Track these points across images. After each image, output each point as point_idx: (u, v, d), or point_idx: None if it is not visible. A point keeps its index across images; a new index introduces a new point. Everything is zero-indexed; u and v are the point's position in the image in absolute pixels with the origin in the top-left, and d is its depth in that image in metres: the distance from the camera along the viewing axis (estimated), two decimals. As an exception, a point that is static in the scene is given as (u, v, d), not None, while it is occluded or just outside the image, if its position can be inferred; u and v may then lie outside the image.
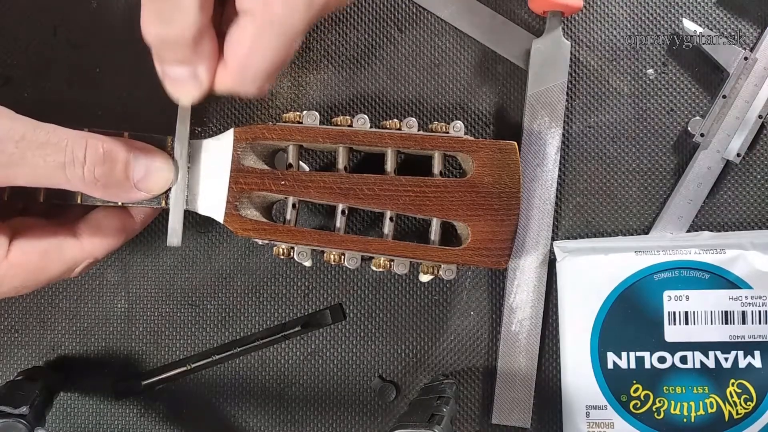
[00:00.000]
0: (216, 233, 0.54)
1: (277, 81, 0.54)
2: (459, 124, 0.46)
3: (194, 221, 0.54)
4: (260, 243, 0.47)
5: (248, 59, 0.40)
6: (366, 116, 0.46)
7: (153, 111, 0.54)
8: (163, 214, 0.45)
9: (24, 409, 0.45)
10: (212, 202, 0.45)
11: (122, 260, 0.55)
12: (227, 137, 0.45)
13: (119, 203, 0.44)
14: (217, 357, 0.54)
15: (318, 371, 0.54)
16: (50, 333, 0.55)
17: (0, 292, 0.43)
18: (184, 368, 0.54)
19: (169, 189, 0.44)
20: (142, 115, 0.54)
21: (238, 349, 0.54)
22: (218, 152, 0.45)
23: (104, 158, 0.41)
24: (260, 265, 0.54)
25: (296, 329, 0.54)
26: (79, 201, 0.44)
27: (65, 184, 0.41)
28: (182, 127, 0.44)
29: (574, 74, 0.54)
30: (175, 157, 0.44)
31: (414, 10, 0.55)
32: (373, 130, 0.46)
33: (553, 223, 0.53)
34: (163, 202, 0.44)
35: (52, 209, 0.47)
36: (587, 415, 0.52)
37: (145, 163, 0.43)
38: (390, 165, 0.46)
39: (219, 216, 0.45)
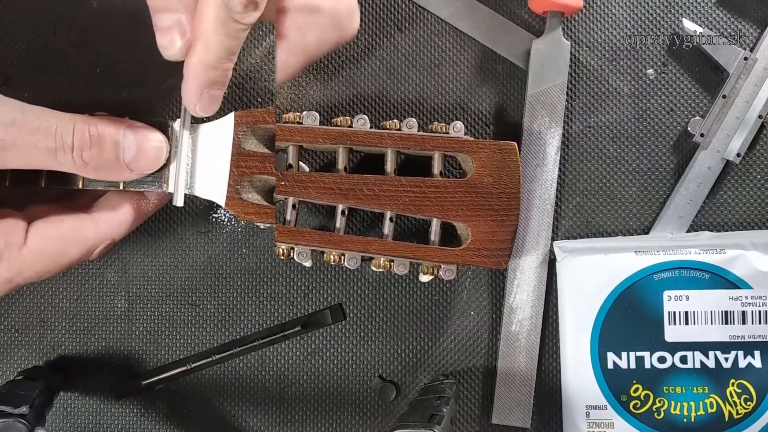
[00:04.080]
0: (216, 233, 0.54)
1: (277, 81, 0.55)
2: (459, 125, 0.46)
3: (194, 221, 0.54)
4: (262, 227, 0.47)
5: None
6: (366, 117, 0.46)
7: (153, 111, 0.54)
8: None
9: (24, 409, 0.45)
10: (214, 186, 0.45)
11: (122, 260, 0.55)
12: (227, 121, 0.45)
13: (120, 186, 0.44)
14: (217, 357, 0.54)
15: (318, 371, 0.54)
16: (50, 333, 0.55)
17: (22, 279, 0.43)
18: (184, 368, 0.54)
19: (168, 170, 0.44)
20: (141, 116, 0.54)
21: (238, 349, 0.54)
22: (219, 136, 0.45)
23: (91, 142, 0.42)
24: (260, 265, 0.54)
25: (296, 329, 0.54)
26: (80, 186, 0.44)
27: (58, 167, 0.42)
28: (184, 112, 0.44)
29: (574, 74, 0.54)
30: (176, 141, 0.44)
31: (414, 10, 0.55)
32: (373, 130, 0.46)
33: (553, 223, 0.53)
34: (164, 185, 0.44)
35: (66, 192, 0.47)
36: (587, 415, 0.52)
37: (135, 141, 0.43)
38: (390, 165, 0.46)
39: (220, 199, 0.45)
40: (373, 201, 0.45)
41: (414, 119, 0.46)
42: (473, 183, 0.45)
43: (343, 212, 0.46)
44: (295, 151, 0.46)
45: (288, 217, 0.46)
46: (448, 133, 0.46)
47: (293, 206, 0.46)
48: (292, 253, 0.46)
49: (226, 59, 0.42)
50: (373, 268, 0.46)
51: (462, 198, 0.45)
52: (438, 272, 0.46)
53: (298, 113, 0.46)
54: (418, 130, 0.46)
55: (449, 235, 0.47)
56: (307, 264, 0.47)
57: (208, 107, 0.43)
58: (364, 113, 0.48)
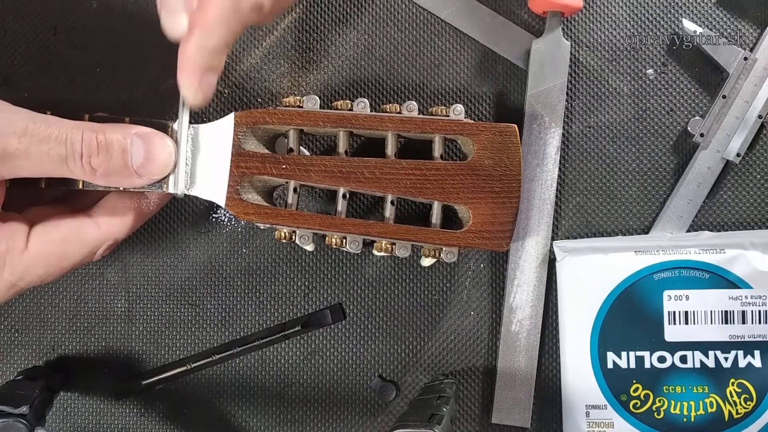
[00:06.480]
0: (216, 233, 0.54)
1: (278, 81, 0.54)
2: (459, 108, 0.46)
3: (194, 221, 0.54)
4: (262, 227, 0.47)
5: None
6: (366, 100, 0.46)
7: (153, 111, 0.54)
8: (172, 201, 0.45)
9: (24, 409, 0.45)
10: (214, 186, 0.45)
11: (122, 260, 0.55)
12: (228, 122, 0.45)
13: (120, 188, 0.44)
14: (217, 357, 0.54)
15: (318, 371, 0.54)
16: (50, 333, 0.55)
17: (25, 283, 0.43)
18: (184, 368, 0.54)
19: (170, 173, 0.44)
20: (141, 116, 0.54)
21: (238, 349, 0.54)
22: (219, 136, 0.45)
23: (99, 149, 0.42)
24: (260, 265, 0.54)
25: (296, 329, 0.54)
26: (80, 186, 0.44)
27: (69, 174, 0.42)
28: (183, 112, 0.44)
29: (574, 74, 0.54)
30: (176, 142, 0.44)
31: (414, 10, 0.55)
32: (374, 113, 0.46)
33: (553, 223, 0.53)
34: (165, 186, 0.44)
35: (67, 193, 0.47)
36: (587, 414, 0.52)
37: (144, 147, 0.43)
38: (390, 149, 0.46)
39: (221, 200, 0.45)
40: (374, 184, 0.45)
41: (414, 102, 0.46)
42: (474, 165, 0.45)
43: (344, 196, 0.46)
44: (295, 135, 0.46)
45: (289, 201, 0.46)
46: (448, 115, 0.46)
47: (294, 190, 0.46)
48: (293, 237, 0.46)
49: (223, 51, 0.42)
50: (375, 252, 0.46)
51: (463, 180, 0.45)
52: (440, 255, 0.46)
53: (298, 97, 0.46)
54: (419, 114, 0.46)
55: (450, 219, 0.47)
56: (309, 248, 0.46)
57: (207, 93, 0.43)
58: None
